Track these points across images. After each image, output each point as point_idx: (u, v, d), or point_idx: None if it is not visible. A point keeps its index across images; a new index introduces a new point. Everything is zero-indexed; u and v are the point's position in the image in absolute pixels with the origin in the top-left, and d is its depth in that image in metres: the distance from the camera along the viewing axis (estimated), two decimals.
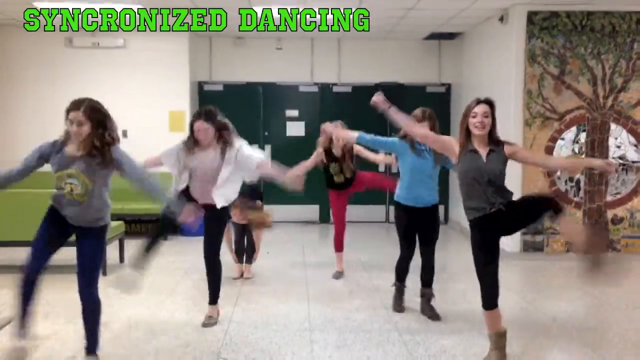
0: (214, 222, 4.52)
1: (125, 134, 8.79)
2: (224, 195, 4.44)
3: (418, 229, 4.85)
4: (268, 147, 9.56)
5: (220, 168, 4.40)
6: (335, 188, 6.05)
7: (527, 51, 6.94)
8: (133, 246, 7.03)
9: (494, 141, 3.70)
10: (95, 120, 3.43)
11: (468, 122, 3.68)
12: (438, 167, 4.86)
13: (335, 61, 9.62)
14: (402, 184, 4.84)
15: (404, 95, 9.65)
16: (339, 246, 6.13)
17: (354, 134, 4.82)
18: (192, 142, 4.47)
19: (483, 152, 3.65)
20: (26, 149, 8.80)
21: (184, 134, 8.93)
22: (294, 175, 4.84)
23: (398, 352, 3.95)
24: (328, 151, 5.96)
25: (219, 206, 4.40)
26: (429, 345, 4.10)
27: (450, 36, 9.32)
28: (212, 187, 4.40)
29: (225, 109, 9.53)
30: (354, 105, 9.43)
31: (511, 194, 3.68)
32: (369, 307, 4.96)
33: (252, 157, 4.49)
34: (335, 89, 9.66)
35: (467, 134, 3.70)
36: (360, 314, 4.81)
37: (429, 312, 4.72)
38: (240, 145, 4.50)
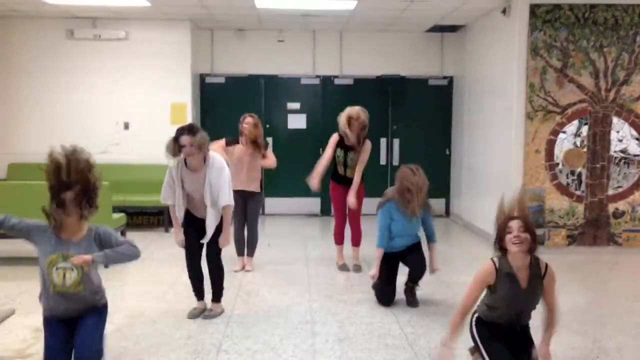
0: (213, 240, 4.57)
1: (126, 126, 8.84)
2: (215, 218, 4.50)
3: (407, 262, 4.94)
4: (270, 139, 9.55)
5: (204, 189, 4.43)
6: (336, 180, 6.03)
7: (529, 44, 6.92)
8: (134, 238, 7.07)
9: (533, 260, 3.29)
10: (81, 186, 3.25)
11: (504, 239, 3.23)
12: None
13: (337, 53, 9.60)
14: (384, 235, 4.87)
15: (405, 88, 9.67)
16: (339, 239, 6.13)
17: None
18: (182, 160, 4.48)
19: (522, 275, 3.23)
20: (27, 139, 8.87)
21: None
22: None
23: (399, 345, 3.97)
24: (341, 139, 5.89)
25: (210, 231, 4.47)
26: (430, 338, 4.11)
27: (453, 29, 9.30)
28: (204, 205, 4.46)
29: (227, 101, 9.65)
30: (355, 97, 9.39)
31: (531, 318, 3.41)
32: (371, 300, 4.97)
33: (219, 188, 4.45)
34: (337, 81, 9.65)
35: (501, 250, 3.26)
36: (361, 306, 4.82)
37: (410, 297, 4.87)
38: (217, 168, 4.48)
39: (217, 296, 4.64)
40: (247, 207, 5.89)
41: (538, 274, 3.27)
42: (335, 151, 5.90)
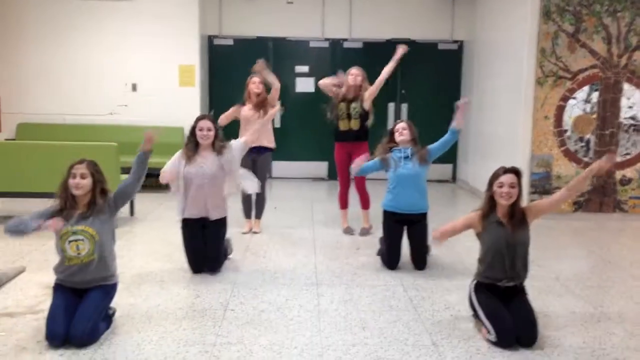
0: (215, 233, 4.67)
1: (134, 87, 8.84)
2: (220, 206, 4.69)
3: (409, 240, 4.95)
4: (277, 103, 9.52)
5: (221, 172, 4.62)
6: (340, 139, 5.97)
7: (542, 7, 6.81)
8: (142, 200, 7.13)
9: (516, 211, 3.58)
10: (96, 176, 3.51)
11: (494, 191, 3.56)
12: (425, 170, 4.90)
13: (346, 16, 9.49)
14: (388, 191, 4.93)
15: (415, 53, 9.54)
16: (343, 204, 6.14)
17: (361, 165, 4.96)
18: (193, 146, 4.64)
19: (508, 222, 3.56)
20: (33, 103, 8.91)
21: (193, 88, 8.99)
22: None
23: (403, 307, 4.02)
24: (344, 93, 5.91)
25: (216, 217, 4.65)
26: (433, 300, 4.17)
27: None
28: (215, 195, 4.62)
29: (235, 64, 9.61)
30: (365, 61, 9.30)
31: (527, 273, 3.63)
32: (376, 263, 5.02)
33: (236, 148, 4.75)
34: (346, 44, 9.56)
35: (491, 202, 3.60)
36: (366, 269, 4.87)
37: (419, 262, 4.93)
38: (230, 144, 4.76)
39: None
40: (256, 168, 5.88)
41: (519, 217, 3.57)
42: (336, 108, 5.89)
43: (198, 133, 4.59)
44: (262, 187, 6.02)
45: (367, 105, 5.89)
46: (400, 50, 5.90)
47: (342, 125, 5.90)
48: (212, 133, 4.61)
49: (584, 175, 3.61)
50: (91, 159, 3.56)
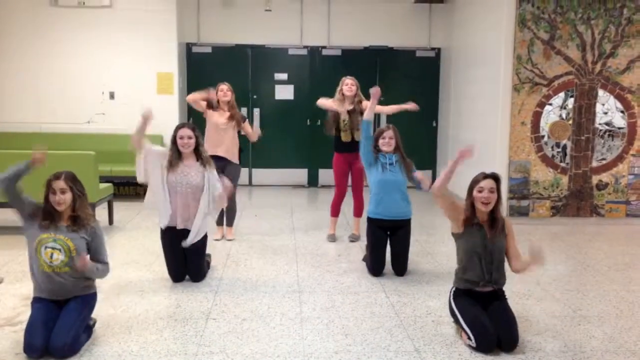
0: (196, 248, 4.61)
1: (112, 95, 8.77)
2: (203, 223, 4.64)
3: (390, 247, 4.96)
4: (257, 111, 9.54)
5: (202, 184, 4.57)
6: (341, 150, 5.95)
7: (517, 16, 6.91)
8: (121, 209, 7.07)
9: (496, 217, 3.61)
10: (75, 189, 3.45)
11: (474, 197, 3.59)
12: (405, 180, 4.95)
13: (324, 24, 9.53)
14: (371, 198, 4.94)
15: (393, 60, 9.65)
16: (335, 212, 6.13)
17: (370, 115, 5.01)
18: (176, 155, 4.58)
19: (487, 226, 3.60)
20: (8, 112, 8.77)
21: (172, 96, 8.95)
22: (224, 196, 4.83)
23: (385, 313, 4.03)
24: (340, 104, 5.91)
25: (198, 237, 4.58)
26: (415, 306, 4.18)
27: (441, 0, 9.26)
28: (195, 206, 4.56)
29: (214, 72, 9.58)
30: (343, 68, 9.38)
31: (505, 279, 3.67)
32: (357, 270, 5.03)
33: (216, 185, 4.67)
34: (324, 52, 9.59)
35: (472, 208, 3.62)
36: (348, 276, 4.88)
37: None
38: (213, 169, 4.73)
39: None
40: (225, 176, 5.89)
41: (499, 223, 3.61)
42: (339, 121, 5.86)
43: (179, 141, 4.57)
44: (233, 195, 6.01)
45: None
46: (410, 106, 5.90)
47: (344, 137, 5.89)
48: (192, 141, 4.58)
49: (530, 264, 3.60)
50: (68, 171, 3.51)
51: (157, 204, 4.59)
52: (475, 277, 3.59)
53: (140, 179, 4.64)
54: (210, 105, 5.88)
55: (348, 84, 5.86)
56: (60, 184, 3.39)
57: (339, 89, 5.90)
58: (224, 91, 5.90)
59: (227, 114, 5.86)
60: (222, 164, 5.75)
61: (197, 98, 5.79)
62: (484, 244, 3.57)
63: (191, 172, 4.56)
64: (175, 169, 4.54)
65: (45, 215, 3.42)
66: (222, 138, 5.82)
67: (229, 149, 5.85)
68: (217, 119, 5.84)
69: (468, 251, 3.61)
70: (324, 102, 6.00)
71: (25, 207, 3.46)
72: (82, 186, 3.52)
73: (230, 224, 6.10)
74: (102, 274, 3.56)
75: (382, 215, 4.85)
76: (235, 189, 6.06)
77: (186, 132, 4.58)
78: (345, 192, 6.08)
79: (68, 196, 3.40)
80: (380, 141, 4.91)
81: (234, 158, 5.93)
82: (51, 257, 3.35)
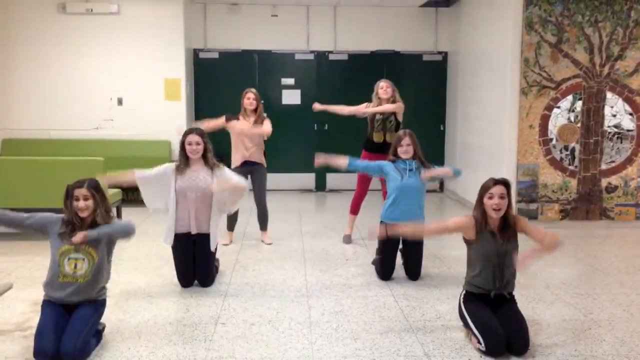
0: (206, 252, 4.62)
1: (120, 102, 8.80)
2: (217, 224, 4.71)
3: (404, 252, 4.95)
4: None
5: (212, 187, 4.57)
6: (370, 150, 5.93)
7: (524, 19, 6.90)
8: (130, 214, 7.08)
9: (508, 222, 3.61)
10: (97, 196, 3.49)
11: (484, 203, 3.57)
12: (424, 186, 4.94)
13: (331, 29, 9.54)
14: (387, 202, 4.91)
15: (400, 64, 9.64)
16: (354, 209, 6.14)
17: (344, 161, 4.95)
18: (184, 160, 4.61)
19: (498, 232, 3.59)
20: (17, 119, 8.85)
21: (179, 102, 8.98)
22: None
23: (394, 318, 4.02)
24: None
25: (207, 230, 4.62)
26: (424, 310, 4.17)
27: (447, 3, 9.27)
28: (206, 210, 4.59)
29: (221, 77, 9.59)
30: (350, 73, 9.41)
31: (514, 282, 3.68)
32: (366, 274, 5.02)
33: (231, 176, 4.70)
34: (331, 56, 9.60)
35: (484, 214, 3.60)
36: (356, 280, 4.87)
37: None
38: (223, 166, 4.76)
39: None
40: (252, 183, 5.93)
41: (509, 227, 3.61)
42: (374, 118, 5.90)
43: (187, 147, 4.58)
44: (263, 199, 6.04)
45: (400, 118, 6.01)
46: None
47: (377, 138, 5.91)
48: (201, 147, 4.59)
49: (548, 249, 3.63)
50: (92, 178, 3.55)
51: (156, 203, 4.65)
52: (487, 284, 3.58)
53: (149, 205, 4.70)
54: (229, 118, 5.88)
55: (383, 87, 5.94)
56: (83, 191, 3.42)
57: (374, 93, 5.96)
58: (251, 100, 5.90)
59: (252, 121, 5.90)
60: (249, 168, 5.84)
61: (209, 129, 5.53)
62: (496, 251, 3.56)
63: (199, 176, 4.57)
64: (184, 175, 4.56)
65: (66, 225, 3.44)
66: (247, 144, 5.85)
67: (254, 153, 5.90)
68: (241, 127, 5.86)
69: (481, 258, 3.59)
70: (357, 109, 6.01)
71: (35, 228, 3.49)
72: (105, 196, 3.54)
73: (264, 227, 6.15)
74: (119, 227, 3.58)
75: (397, 220, 4.80)
76: (264, 191, 6.07)
77: (194, 138, 4.59)
78: (366, 191, 6.09)
79: (90, 203, 3.43)
80: (399, 149, 4.84)
81: (261, 160, 5.98)
82: (75, 267, 3.39)
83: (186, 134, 4.65)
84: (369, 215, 6.03)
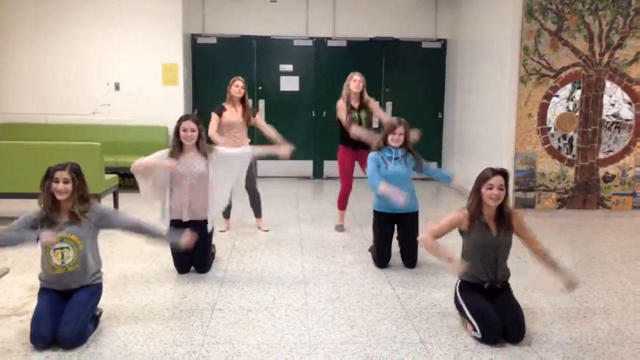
0: (203, 239, 4.56)
1: (117, 86, 8.76)
2: (218, 203, 4.68)
3: (399, 239, 4.95)
4: (262, 102, 9.52)
5: (208, 172, 4.58)
6: (348, 145, 5.91)
7: (524, 6, 6.86)
8: (126, 199, 7.07)
9: (503, 213, 3.59)
10: (77, 181, 3.42)
11: (482, 193, 3.54)
12: (411, 172, 4.92)
13: (330, 15, 9.49)
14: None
15: (399, 51, 9.61)
16: (342, 205, 6.15)
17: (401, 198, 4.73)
18: (178, 146, 4.57)
19: (493, 225, 3.57)
20: (14, 103, 8.80)
21: (177, 87, 8.94)
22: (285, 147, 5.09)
23: (391, 305, 4.03)
24: (347, 99, 5.88)
25: (204, 217, 4.62)
26: (421, 298, 4.18)
27: None
28: (203, 195, 4.59)
29: (219, 63, 9.55)
30: (349, 60, 9.36)
31: (509, 273, 3.67)
32: (362, 262, 5.03)
33: (231, 152, 4.74)
34: (330, 43, 9.55)
35: (478, 203, 3.57)
36: (353, 268, 4.88)
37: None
38: (216, 148, 4.75)
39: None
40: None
41: (505, 219, 3.58)
42: (350, 114, 5.84)
43: (182, 134, 4.55)
44: (254, 187, 6.02)
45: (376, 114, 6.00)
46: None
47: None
48: (195, 134, 4.57)
49: (556, 271, 3.63)
50: (74, 163, 3.49)
51: (154, 195, 4.64)
52: (480, 275, 3.58)
53: (145, 197, 4.65)
54: (220, 112, 5.84)
55: (356, 81, 5.85)
56: (65, 174, 3.37)
57: (346, 84, 5.88)
58: (239, 88, 5.85)
59: (241, 110, 5.87)
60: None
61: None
62: (490, 242, 3.56)
63: (194, 162, 4.56)
64: (178, 161, 4.54)
65: (45, 216, 3.39)
66: (236, 135, 5.84)
67: (243, 142, 5.88)
68: (231, 118, 5.83)
69: (474, 250, 3.59)
70: (342, 117, 5.92)
71: (27, 229, 3.39)
72: (84, 181, 3.48)
73: (259, 214, 6.16)
74: (152, 231, 3.74)
75: (388, 208, 4.82)
76: (255, 179, 6.05)
77: (190, 124, 4.55)
78: (351, 185, 6.08)
79: (69, 186, 3.38)
80: (390, 136, 4.81)
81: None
82: (62, 257, 3.37)
83: (181, 120, 4.62)
84: (360, 204, 6.04)
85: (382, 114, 6.05)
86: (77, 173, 3.43)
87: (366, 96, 5.92)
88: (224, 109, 5.86)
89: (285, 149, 5.11)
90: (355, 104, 5.88)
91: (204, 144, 4.65)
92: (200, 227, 4.57)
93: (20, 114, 8.62)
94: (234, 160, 4.74)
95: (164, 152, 4.63)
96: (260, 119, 6.04)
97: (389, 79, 9.62)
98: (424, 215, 4.98)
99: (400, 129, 4.80)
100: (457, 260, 3.54)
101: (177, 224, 4.57)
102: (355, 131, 5.71)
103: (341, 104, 5.88)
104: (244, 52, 9.46)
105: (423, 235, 3.71)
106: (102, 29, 8.59)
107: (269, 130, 5.92)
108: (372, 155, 4.87)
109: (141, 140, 8.45)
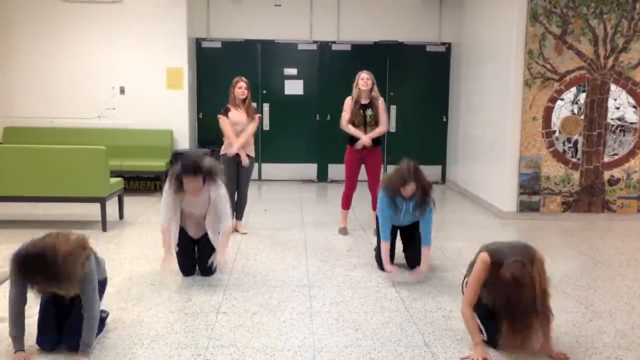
0: (209, 244, 4.58)
1: (122, 90, 8.79)
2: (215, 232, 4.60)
3: (404, 244, 4.99)
4: (266, 106, 9.54)
5: (208, 209, 4.51)
6: (354, 144, 5.92)
7: (529, 10, 6.85)
8: (131, 203, 7.08)
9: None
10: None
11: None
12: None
13: (334, 19, 9.51)
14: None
15: (403, 54, 9.62)
16: (346, 205, 6.16)
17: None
18: (180, 187, 4.38)
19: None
20: (19, 107, 8.84)
21: (182, 91, 8.97)
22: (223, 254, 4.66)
23: (395, 308, 4.02)
24: (357, 99, 5.91)
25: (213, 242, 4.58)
26: (425, 301, 4.17)
27: None
28: (203, 223, 4.57)
29: (223, 67, 9.56)
30: (353, 64, 9.36)
31: None
32: (367, 265, 5.03)
33: (221, 213, 4.51)
34: (334, 47, 9.57)
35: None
36: (357, 271, 4.87)
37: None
38: (219, 193, 4.48)
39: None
40: (239, 172, 5.98)
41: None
42: (354, 113, 5.87)
43: (185, 185, 4.34)
44: (245, 190, 6.08)
45: (382, 113, 5.99)
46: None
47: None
48: (199, 185, 4.36)
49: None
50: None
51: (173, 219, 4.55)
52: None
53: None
54: (225, 113, 5.92)
55: (364, 79, 5.87)
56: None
57: (355, 83, 5.91)
58: (243, 89, 5.93)
59: (244, 110, 5.97)
60: (238, 159, 5.92)
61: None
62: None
63: (198, 204, 4.48)
64: (183, 199, 4.46)
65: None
66: (237, 135, 5.93)
67: (245, 145, 5.96)
68: (236, 119, 5.91)
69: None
70: (347, 127, 5.96)
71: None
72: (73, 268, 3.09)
73: (240, 217, 6.15)
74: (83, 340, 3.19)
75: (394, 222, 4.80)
76: (248, 183, 6.12)
77: (192, 181, 4.30)
78: (355, 186, 6.09)
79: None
80: (402, 190, 4.51)
81: (251, 152, 6.07)
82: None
83: (182, 174, 4.32)
84: (364, 208, 6.04)
85: (381, 117, 5.93)
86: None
87: (375, 92, 5.93)
88: (228, 109, 5.93)
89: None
90: (365, 101, 5.90)
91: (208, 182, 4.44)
92: (207, 238, 4.60)
93: (26, 118, 8.66)
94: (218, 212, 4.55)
95: (170, 192, 4.45)
96: (255, 122, 6.02)
97: (394, 83, 9.63)
98: None
99: (411, 187, 4.48)
100: (482, 347, 3.29)
101: (184, 232, 4.63)
102: (358, 145, 5.86)
103: (348, 101, 5.96)
104: (249, 56, 9.49)
105: (462, 308, 3.41)
106: (107, 33, 8.63)
107: (247, 133, 5.93)
108: (384, 204, 4.64)
109: (146, 143, 8.48)
